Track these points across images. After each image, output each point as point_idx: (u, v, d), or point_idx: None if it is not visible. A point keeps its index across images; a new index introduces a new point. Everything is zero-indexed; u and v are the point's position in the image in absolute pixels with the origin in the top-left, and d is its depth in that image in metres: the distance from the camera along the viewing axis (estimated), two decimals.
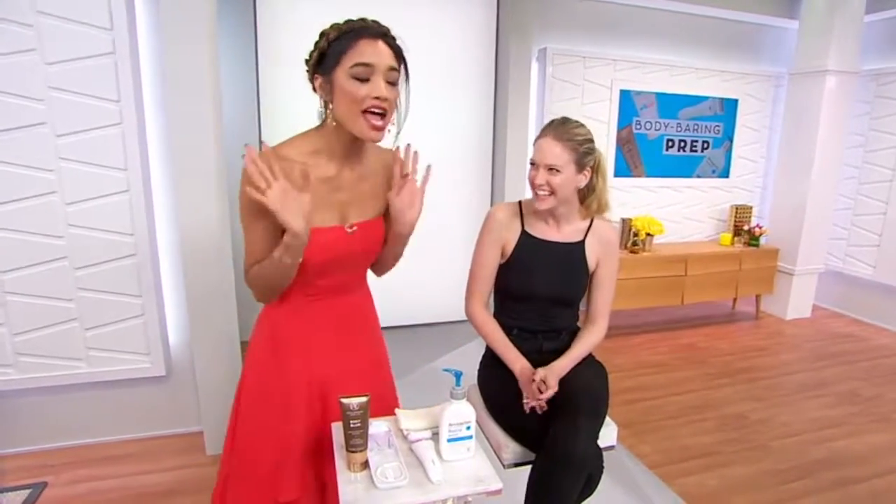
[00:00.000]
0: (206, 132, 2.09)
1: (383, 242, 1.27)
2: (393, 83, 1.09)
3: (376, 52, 1.06)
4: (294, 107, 3.30)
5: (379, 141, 1.13)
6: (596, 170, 1.59)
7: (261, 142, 3.39)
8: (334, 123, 1.12)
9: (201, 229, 2.15)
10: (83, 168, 2.06)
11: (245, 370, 1.29)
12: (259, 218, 1.09)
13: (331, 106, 1.12)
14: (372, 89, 1.06)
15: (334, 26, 1.09)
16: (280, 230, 1.06)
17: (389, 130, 1.14)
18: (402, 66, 1.12)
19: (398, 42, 1.12)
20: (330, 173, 1.16)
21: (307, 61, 1.13)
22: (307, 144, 1.14)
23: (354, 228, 1.19)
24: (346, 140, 1.14)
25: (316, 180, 1.12)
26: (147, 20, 2.11)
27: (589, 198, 1.62)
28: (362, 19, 1.09)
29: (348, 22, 1.08)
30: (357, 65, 1.05)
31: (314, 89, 1.13)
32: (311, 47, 1.12)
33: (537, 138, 1.55)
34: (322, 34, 1.10)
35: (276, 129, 3.35)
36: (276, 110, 3.34)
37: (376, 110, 1.07)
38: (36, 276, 2.10)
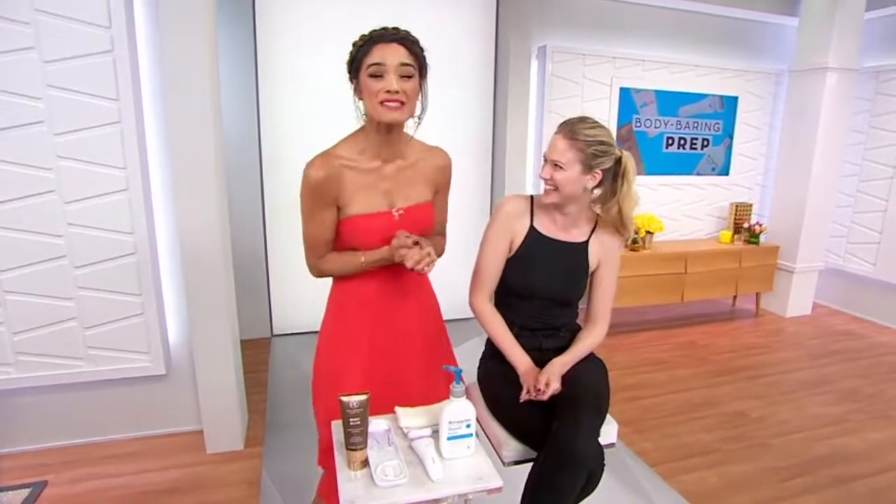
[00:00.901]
0: (205, 130, 2.08)
1: (431, 225, 1.42)
2: (407, 76, 1.23)
3: (388, 54, 1.21)
4: (293, 104, 3.31)
5: (397, 121, 1.26)
6: (622, 175, 1.52)
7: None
8: (366, 119, 1.30)
9: (201, 227, 2.14)
10: (82, 167, 2.05)
11: (320, 335, 1.46)
12: (324, 209, 1.30)
13: (362, 105, 1.29)
14: (385, 85, 1.21)
15: (362, 36, 1.25)
16: (336, 216, 1.32)
17: (418, 121, 1.32)
18: (419, 63, 1.26)
19: (419, 43, 1.26)
20: (374, 165, 1.33)
21: (347, 65, 1.30)
22: (354, 145, 1.33)
23: (401, 212, 1.34)
24: (382, 134, 1.30)
25: (362, 172, 1.32)
26: (145, 18, 2.10)
27: (609, 202, 1.56)
28: (383, 28, 1.24)
29: (371, 31, 1.24)
30: (371, 65, 1.22)
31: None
32: (347, 55, 1.29)
33: (554, 134, 1.55)
34: (353, 44, 1.27)
35: (276, 127, 3.34)
36: (274, 107, 3.33)
37: (391, 103, 1.22)
38: (35, 275, 2.09)
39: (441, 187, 1.46)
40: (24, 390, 2.21)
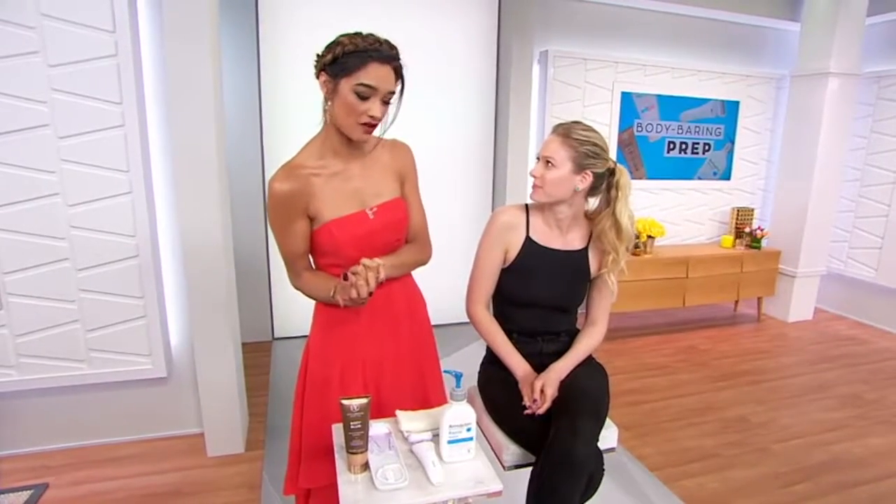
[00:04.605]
0: (207, 134, 2.09)
1: (407, 221, 1.38)
2: (388, 102, 1.23)
3: (382, 78, 1.18)
4: (295, 108, 3.32)
5: (366, 141, 1.28)
6: (615, 186, 1.53)
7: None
8: (329, 120, 1.26)
9: (203, 230, 2.15)
10: (85, 170, 2.07)
11: (305, 355, 1.42)
12: (295, 221, 1.26)
13: (329, 103, 1.24)
14: (369, 108, 1.19)
15: (352, 39, 1.18)
16: (309, 226, 1.28)
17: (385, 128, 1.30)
18: (400, 84, 1.24)
19: (401, 62, 1.23)
20: (339, 168, 1.29)
21: (318, 56, 1.23)
22: (315, 151, 1.30)
23: (375, 210, 1.31)
24: (345, 137, 1.27)
25: (329, 177, 1.28)
26: (149, 22, 2.11)
27: (604, 212, 1.56)
28: (377, 40, 1.18)
29: (365, 38, 1.18)
30: (362, 84, 1.17)
31: (318, 81, 1.24)
32: (324, 47, 1.22)
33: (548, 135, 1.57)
34: (338, 41, 1.19)
35: (278, 131, 3.36)
36: (277, 111, 3.35)
37: (367, 127, 1.22)
38: (38, 278, 2.10)
39: (406, 177, 1.40)
40: (26, 392, 2.21)
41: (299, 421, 1.41)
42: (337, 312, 1.33)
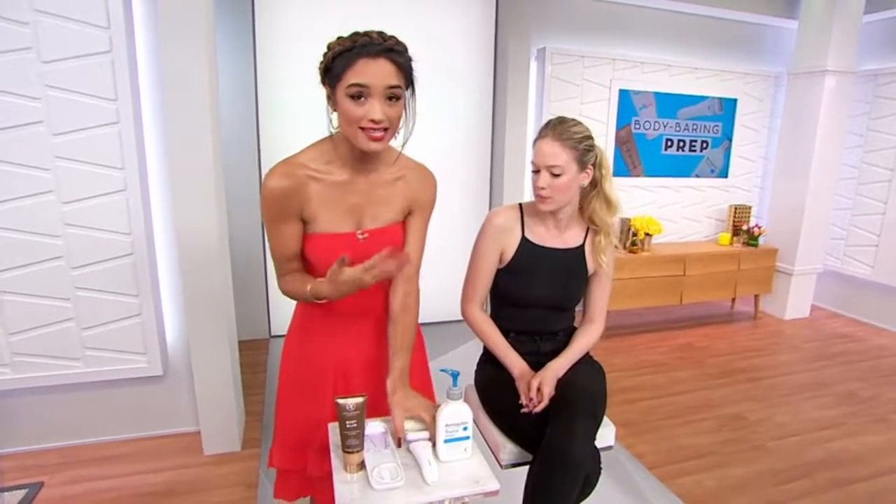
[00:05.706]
0: (203, 130, 2.08)
1: (401, 247, 1.28)
2: (394, 99, 1.09)
3: (374, 73, 1.05)
4: (292, 105, 3.31)
5: (378, 150, 1.14)
6: (598, 165, 1.54)
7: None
8: (338, 129, 1.15)
9: (199, 228, 2.14)
10: (80, 167, 2.05)
11: (282, 355, 1.40)
12: (287, 222, 1.17)
13: (336, 114, 1.13)
14: (367, 111, 1.06)
15: (340, 40, 1.07)
16: (301, 230, 1.19)
17: (397, 136, 1.16)
18: (409, 80, 1.11)
19: (407, 53, 1.10)
20: (343, 178, 1.19)
21: (319, 69, 1.13)
22: (321, 154, 1.18)
23: (366, 235, 1.22)
24: (356, 149, 1.15)
25: (329, 185, 1.18)
26: (144, 18, 2.10)
27: (592, 192, 1.57)
28: (367, 34, 1.06)
29: (353, 36, 1.06)
30: (353, 85, 1.05)
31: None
32: (321, 57, 1.11)
33: (536, 140, 1.52)
34: (329, 46, 1.09)
35: (274, 128, 3.34)
36: (274, 108, 3.33)
37: (374, 132, 1.08)
38: (32, 276, 2.09)
39: (418, 208, 1.28)
40: (20, 391, 2.20)
41: (277, 410, 1.43)
42: (314, 311, 1.29)
